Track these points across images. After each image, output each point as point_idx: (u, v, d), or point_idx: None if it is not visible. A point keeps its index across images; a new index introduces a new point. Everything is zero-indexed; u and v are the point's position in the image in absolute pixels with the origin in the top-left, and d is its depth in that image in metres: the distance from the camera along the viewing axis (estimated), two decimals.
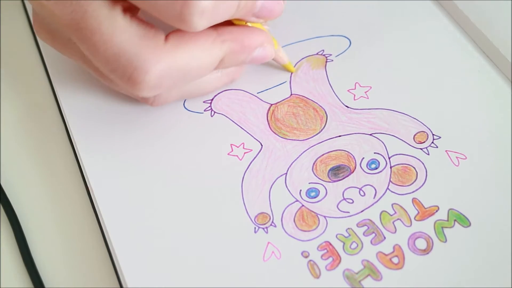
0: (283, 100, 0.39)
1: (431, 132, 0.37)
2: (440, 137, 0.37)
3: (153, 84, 0.33)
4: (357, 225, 0.34)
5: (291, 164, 0.37)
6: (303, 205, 0.35)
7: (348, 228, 0.34)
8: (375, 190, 0.35)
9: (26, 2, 0.45)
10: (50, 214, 0.37)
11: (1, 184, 0.38)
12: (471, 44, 0.42)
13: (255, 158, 0.37)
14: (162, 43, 0.32)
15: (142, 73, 0.32)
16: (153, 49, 0.32)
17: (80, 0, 0.32)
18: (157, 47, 0.32)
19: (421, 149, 0.37)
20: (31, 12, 0.44)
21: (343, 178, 0.36)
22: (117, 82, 0.34)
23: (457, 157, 0.36)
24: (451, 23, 0.43)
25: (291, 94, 0.39)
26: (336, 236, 0.34)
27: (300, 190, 0.36)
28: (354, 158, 0.37)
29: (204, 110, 0.39)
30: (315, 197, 0.35)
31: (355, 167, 0.36)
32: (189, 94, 0.38)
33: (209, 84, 0.38)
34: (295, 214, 0.35)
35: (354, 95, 0.39)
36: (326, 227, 0.34)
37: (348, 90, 0.40)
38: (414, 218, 0.34)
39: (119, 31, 0.31)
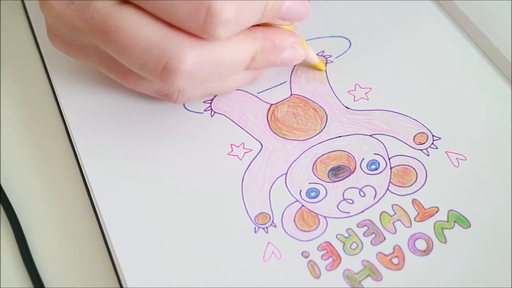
0: (283, 100, 0.39)
1: (431, 133, 0.37)
2: (440, 138, 0.37)
3: (188, 73, 0.32)
4: (357, 225, 0.34)
5: (291, 164, 0.37)
6: (303, 205, 0.35)
7: (348, 229, 0.34)
8: (375, 190, 0.35)
9: (27, 2, 0.45)
10: (50, 214, 0.37)
11: (1, 184, 0.38)
12: (471, 44, 0.42)
13: (255, 158, 0.37)
14: (193, 35, 0.32)
15: (177, 62, 0.32)
16: (186, 39, 0.32)
17: (96, 3, 0.32)
18: (189, 37, 0.32)
19: (421, 150, 0.37)
20: (31, 12, 0.44)
21: (343, 179, 0.36)
22: (149, 76, 0.33)
23: (457, 158, 0.36)
24: (451, 23, 0.43)
25: (291, 94, 0.39)
26: (336, 237, 0.34)
27: (300, 190, 0.36)
28: (354, 158, 0.37)
29: (204, 110, 0.39)
30: (315, 197, 0.36)
31: (355, 168, 0.36)
32: (214, 91, 0.38)
33: (234, 82, 0.38)
34: (295, 214, 0.35)
35: (354, 97, 0.39)
36: (326, 227, 0.35)
37: (348, 91, 0.40)
38: (414, 219, 0.34)
39: (146, 25, 0.31)
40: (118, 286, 0.34)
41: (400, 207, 0.35)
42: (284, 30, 0.36)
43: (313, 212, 0.35)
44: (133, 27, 0.31)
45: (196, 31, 0.31)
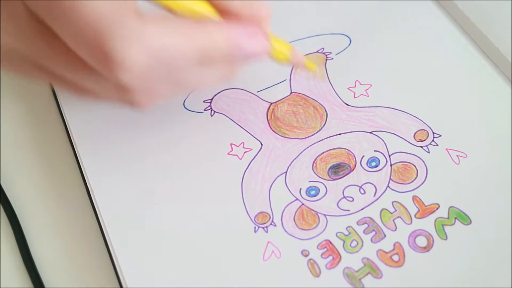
0: (283, 98, 0.39)
1: (432, 130, 0.37)
2: (440, 135, 0.37)
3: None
4: (357, 223, 0.34)
5: (291, 162, 0.37)
6: (303, 204, 0.35)
7: (348, 226, 0.34)
8: (375, 188, 0.35)
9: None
10: (50, 214, 0.37)
11: (1, 184, 0.38)
12: (471, 44, 0.42)
13: (255, 157, 0.37)
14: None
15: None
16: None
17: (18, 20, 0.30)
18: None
19: (421, 147, 0.37)
20: None
21: (343, 176, 0.36)
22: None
23: (457, 155, 0.36)
24: (451, 23, 0.43)
25: (291, 93, 0.39)
26: (336, 235, 0.34)
27: (300, 189, 0.36)
28: (354, 156, 0.37)
29: (204, 110, 0.39)
30: (315, 196, 0.35)
31: (355, 165, 0.36)
32: (182, 90, 0.34)
33: (198, 80, 0.33)
34: (295, 213, 0.35)
35: (354, 93, 0.39)
36: (326, 225, 0.34)
37: (348, 88, 0.40)
38: (415, 216, 0.34)
39: None
40: (118, 286, 0.34)
41: (400, 204, 0.35)
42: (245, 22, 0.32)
43: (313, 210, 0.35)
44: (75, 59, 0.29)
45: (99, 69, 0.29)
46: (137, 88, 0.31)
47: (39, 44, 0.30)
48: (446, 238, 0.33)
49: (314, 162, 0.37)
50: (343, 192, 0.35)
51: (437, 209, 0.35)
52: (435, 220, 0.34)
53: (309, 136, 0.38)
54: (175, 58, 0.29)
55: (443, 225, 0.34)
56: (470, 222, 0.34)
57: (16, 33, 0.31)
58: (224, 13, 0.32)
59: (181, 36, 0.29)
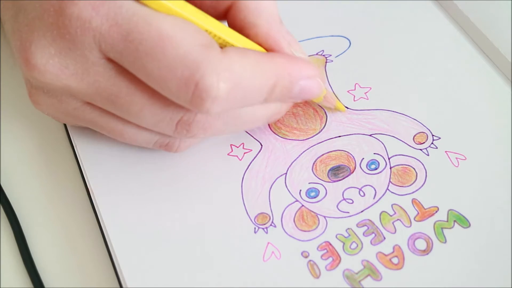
0: None
1: (431, 132, 0.37)
2: (439, 138, 0.37)
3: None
4: (357, 225, 0.34)
5: (291, 164, 0.37)
6: (303, 205, 0.35)
7: (348, 228, 0.34)
8: (375, 190, 0.35)
9: None
10: (50, 214, 0.37)
11: (1, 184, 0.38)
12: (471, 44, 0.42)
13: (255, 158, 0.37)
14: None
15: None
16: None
17: (96, 67, 0.31)
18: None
19: (420, 149, 0.37)
20: None
21: (343, 178, 0.36)
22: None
23: (456, 158, 0.36)
24: (451, 23, 0.43)
25: None
26: (336, 236, 0.34)
27: (300, 190, 0.36)
28: (354, 158, 0.37)
29: None
30: (315, 197, 0.35)
31: (355, 168, 0.36)
32: (234, 127, 0.35)
33: (254, 116, 0.35)
34: (295, 214, 0.35)
35: (354, 96, 0.39)
36: (326, 227, 0.34)
37: (348, 91, 0.40)
38: (414, 219, 0.34)
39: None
40: (118, 286, 0.34)
41: (400, 206, 0.35)
42: (302, 59, 0.34)
43: (312, 212, 0.35)
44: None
45: (185, 105, 0.30)
46: (204, 118, 0.33)
47: (106, 83, 0.31)
48: (445, 241, 0.34)
49: (314, 163, 0.37)
50: (342, 194, 0.35)
51: (436, 212, 0.35)
52: (434, 223, 0.34)
53: (309, 138, 0.38)
54: (251, 90, 0.31)
55: (442, 228, 0.34)
56: (469, 225, 0.34)
57: (80, 71, 0.31)
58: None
59: (259, 69, 0.31)
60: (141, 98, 0.31)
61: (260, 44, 0.33)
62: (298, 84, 0.33)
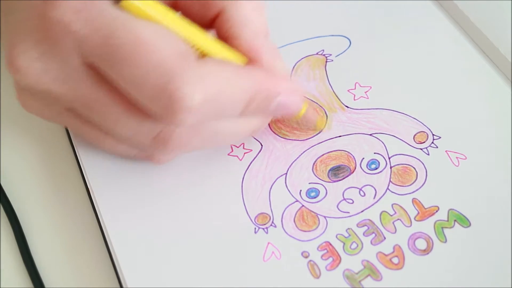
0: None
1: (431, 132, 0.37)
2: (440, 137, 0.37)
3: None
4: (357, 225, 0.34)
5: (291, 164, 0.37)
6: (303, 205, 0.35)
7: (348, 228, 0.34)
8: (375, 190, 0.35)
9: None
10: (50, 214, 0.37)
11: (1, 184, 0.38)
12: (471, 44, 0.42)
13: (255, 158, 0.37)
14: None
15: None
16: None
17: (78, 73, 0.31)
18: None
19: (421, 149, 0.37)
20: None
21: (343, 178, 0.36)
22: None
23: (457, 157, 0.36)
24: (451, 23, 0.43)
25: None
26: (336, 236, 0.34)
27: (300, 190, 0.36)
28: (354, 158, 0.37)
29: None
30: (315, 197, 0.35)
31: (355, 167, 0.36)
32: (212, 143, 0.35)
33: (234, 132, 0.35)
34: (295, 214, 0.35)
35: (354, 95, 0.39)
36: (326, 227, 0.34)
37: (348, 90, 0.40)
38: (414, 218, 0.34)
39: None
40: (118, 286, 0.34)
41: (400, 206, 0.35)
42: (282, 75, 0.34)
43: (313, 212, 0.35)
44: (123, 101, 0.31)
45: (158, 115, 0.30)
46: (181, 134, 0.32)
47: (85, 90, 0.31)
48: (446, 240, 0.34)
49: (314, 164, 0.37)
50: (343, 194, 0.35)
51: (436, 211, 0.35)
52: (435, 223, 0.34)
53: (309, 138, 0.38)
54: (226, 102, 0.31)
55: (442, 227, 0.34)
56: (470, 224, 0.34)
57: (61, 77, 0.31)
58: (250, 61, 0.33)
59: (236, 82, 0.31)
60: (117, 109, 0.31)
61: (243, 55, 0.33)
62: (276, 99, 0.33)
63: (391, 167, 0.36)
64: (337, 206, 0.35)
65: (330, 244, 0.34)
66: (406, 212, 0.35)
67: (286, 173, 0.36)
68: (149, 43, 0.29)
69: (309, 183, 0.36)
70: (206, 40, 0.32)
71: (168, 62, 0.29)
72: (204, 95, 0.29)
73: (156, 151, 0.34)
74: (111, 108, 0.31)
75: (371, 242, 0.34)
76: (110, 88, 0.31)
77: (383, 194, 0.35)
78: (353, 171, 0.36)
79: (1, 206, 0.37)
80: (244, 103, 0.31)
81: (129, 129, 0.32)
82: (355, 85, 0.40)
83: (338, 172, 0.36)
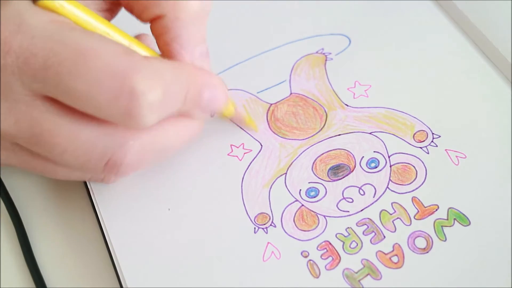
0: (283, 99, 0.39)
1: (431, 131, 0.37)
2: (439, 136, 0.37)
3: (133, 164, 0.31)
4: (357, 224, 0.34)
5: (291, 164, 0.37)
6: (302, 205, 0.35)
7: (348, 228, 0.34)
8: (375, 189, 0.35)
9: None
10: (52, 214, 0.37)
11: (4, 184, 0.38)
12: (471, 44, 0.42)
13: (255, 158, 0.37)
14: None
15: (121, 156, 0.31)
16: (125, 130, 0.30)
17: (18, 104, 0.30)
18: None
19: (420, 148, 0.37)
20: None
21: (343, 177, 0.36)
22: (91, 171, 0.32)
23: (456, 156, 0.36)
24: (451, 23, 0.43)
25: (291, 93, 0.39)
26: (336, 236, 0.34)
27: (300, 190, 0.36)
28: (354, 157, 0.37)
29: None
30: (314, 197, 0.35)
31: (355, 166, 0.36)
32: (162, 155, 0.35)
33: (178, 137, 0.34)
34: (295, 214, 0.35)
35: (354, 94, 0.39)
36: (325, 226, 0.34)
37: (347, 89, 0.40)
38: (414, 217, 0.34)
39: (83, 124, 0.30)
40: (118, 286, 0.34)
41: (399, 205, 0.35)
42: (207, 70, 0.34)
43: (312, 211, 0.35)
44: (67, 131, 0.30)
45: (120, 119, 0.29)
46: (132, 156, 0.32)
47: (28, 123, 0.30)
48: (445, 239, 0.33)
49: (313, 163, 0.37)
50: (342, 193, 0.35)
51: (436, 210, 0.34)
52: (434, 221, 0.34)
53: (308, 137, 0.38)
54: (174, 96, 0.31)
55: (442, 226, 0.34)
56: (469, 223, 0.34)
57: (2, 111, 0.30)
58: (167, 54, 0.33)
59: (176, 76, 0.31)
60: (62, 140, 0.30)
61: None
62: (206, 92, 0.32)
63: (390, 166, 0.36)
64: (337, 205, 0.35)
65: (330, 244, 0.34)
66: (406, 211, 0.35)
67: (286, 173, 0.36)
68: (90, 49, 0.28)
69: (309, 183, 0.36)
70: (128, 37, 0.32)
71: (117, 62, 0.28)
72: (163, 89, 0.29)
73: (108, 175, 0.33)
74: (56, 139, 0.30)
75: (370, 241, 0.34)
76: (54, 119, 0.30)
77: (383, 193, 0.35)
78: (352, 170, 0.36)
79: (3, 205, 0.37)
80: (184, 95, 0.31)
81: (77, 157, 0.31)
82: (355, 83, 0.40)
83: (337, 171, 0.36)
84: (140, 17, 0.33)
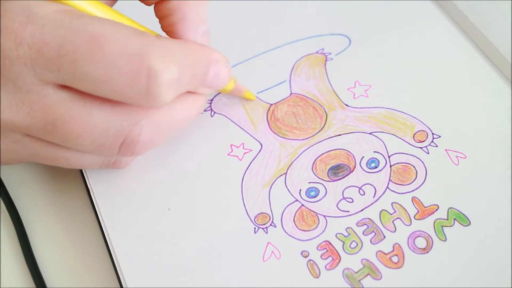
0: (283, 99, 0.39)
1: (431, 131, 0.37)
2: (439, 136, 0.37)
3: (148, 142, 0.32)
4: (357, 224, 0.34)
5: (291, 163, 0.37)
6: (302, 205, 0.35)
7: (348, 227, 0.34)
8: (375, 189, 0.35)
9: None
10: (52, 214, 0.37)
11: (4, 183, 0.38)
12: (471, 44, 0.42)
13: (254, 158, 0.37)
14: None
15: (136, 135, 0.31)
16: (138, 110, 0.31)
17: (31, 95, 0.30)
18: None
19: (420, 148, 0.37)
20: None
21: (343, 177, 0.36)
22: (106, 154, 0.33)
23: (456, 156, 0.36)
24: (451, 23, 0.43)
25: (291, 93, 0.40)
26: (336, 236, 0.34)
27: (300, 190, 0.36)
28: (354, 157, 0.37)
29: (204, 111, 0.39)
30: (315, 197, 0.35)
31: (355, 166, 0.36)
32: (172, 131, 0.35)
33: (185, 113, 0.34)
34: (295, 213, 0.35)
35: (354, 94, 0.39)
36: (325, 226, 0.34)
37: (348, 89, 0.40)
38: (414, 217, 0.34)
39: (95, 108, 0.30)
40: (118, 286, 0.34)
41: (399, 205, 0.35)
42: (207, 47, 0.34)
43: (312, 211, 0.35)
44: (82, 115, 0.30)
45: (140, 99, 0.29)
46: (147, 133, 0.32)
47: (42, 111, 0.30)
48: (445, 239, 0.33)
49: (314, 163, 0.37)
50: (342, 193, 0.35)
51: (436, 210, 0.34)
52: (434, 221, 0.34)
53: (308, 137, 0.38)
54: (187, 72, 0.31)
55: (442, 226, 0.34)
56: (469, 223, 0.34)
57: (13, 103, 0.30)
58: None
59: (186, 53, 0.31)
60: (77, 125, 0.30)
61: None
62: (211, 68, 0.33)
63: (390, 166, 0.36)
64: (337, 205, 0.35)
65: (330, 244, 0.34)
66: (406, 211, 0.35)
67: (286, 173, 0.36)
68: (104, 34, 0.28)
69: (309, 183, 0.36)
70: (132, 22, 0.33)
71: (132, 44, 0.28)
72: (178, 67, 0.29)
73: (123, 156, 0.34)
74: (70, 125, 0.30)
75: (370, 241, 0.34)
76: (67, 105, 0.30)
77: (383, 193, 0.35)
78: (352, 170, 0.36)
79: (3, 205, 0.37)
80: (193, 72, 0.32)
81: (92, 142, 0.31)
82: (355, 83, 0.40)
83: (337, 171, 0.36)
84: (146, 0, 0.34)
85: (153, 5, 0.34)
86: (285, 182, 0.36)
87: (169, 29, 0.34)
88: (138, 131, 0.31)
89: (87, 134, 0.31)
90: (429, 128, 0.38)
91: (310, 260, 0.33)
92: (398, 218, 0.34)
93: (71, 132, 0.30)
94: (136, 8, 0.36)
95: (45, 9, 0.29)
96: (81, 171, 0.37)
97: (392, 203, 0.35)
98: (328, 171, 0.36)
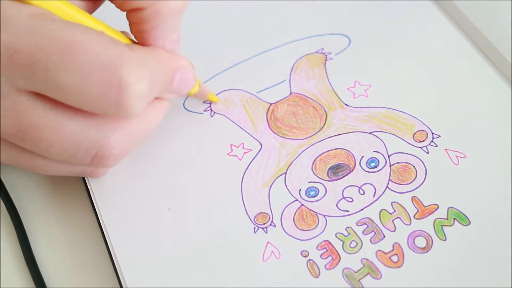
0: (283, 99, 0.39)
1: (431, 130, 0.37)
2: (439, 136, 0.37)
3: (120, 154, 0.32)
4: (357, 223, 0.34)
5: (291, 163, 0.37)
6: (302, 205, 0.35)
7: (348, 227, 0.34)
8: (375, 188, 0.35)
9: None
10: (52, 214, 0.37)
11: (4, 183, 0.38)
12: (470, 45, 0.42)
13: (254, 158, 0.37)
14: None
15: (109, 149, 0.31)
16: (112, 122, 0.31)
17: (3, 100, 0.29)
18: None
19: (420, 147, 0.37)
20: None
21: (343, 177, 0.36)
22: (78, 164, 0.33)
23: (456, 156, 0.36)
24: (451, 23, 0.43)
25: (291, 93, 0.39)
26: (336, 235, 0.34)
27: (300, 190, 0.36)
28: (354, 156, 0.37)
29: (204, 111, 0.39)
30: (314, 196, 0.35)
31: (355, 166, 0.36)
32: (140, 139, 0.35)
33: (157, 117, 0.35)
34: (295, 213, 0.35)
35: (354, 93, 0.39)
36: (325, 226, 0.34)
37: (347, 89, 0.40)
38: (414, 217, 0.34)
39: (68, 118, 0.30)
40: (118, 286, 0.34)
41: (399, 204, 0.35)
42: (173, 53, 0.34)
43: (312, 211, 0.35)
44: (54, 124, 0.30)
45: (109, 110, 0.29)
46: (118, 145, 0.32)
47: (13, 119, 0.30)
48: (445, 238, 0.33)
49: (313, 162, 0.37)
50: (342, 193, 0.35)
51: (436, 209, 0.34)
52: (434, 221, 0.34)
53: (308, 137, 0.38)
54: (156, 82, 0.31)
55: (442, 225, 0.34)
56: (469, 222, 0.34)
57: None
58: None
59: (156, 62, 0.31)
60: (49, 134, 0.30)
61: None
62: (177, 75, 0.33)
63: (390, 166, 0.36)
64: (337, 205, 0.35)
65: (330, 243, 0.34)
66: (406, 210, 0.35)
67: (286, 173, 0.36)
68: (77, 41, 0.28)
69: (309, 182, 0.36)
70: (101, 24, 0.32)
71: (104, 54, 0.28)
72: (150, 79, 0.29)
73: (97, 168, 0.34)
74: (42, 133, 0.30)
75: (370, 241, 0.34)
76: (39, 113, 0.30)
77: (383, 193, 0.35)
78: (352, 170, 0.36)
79: (3, 205, 0.37)
80: (163, 81, 0.32)
81: (64, 151, 0.31)
82: (355, 83, 0.40)
83: (337, 170, 0.36)
84: (121, 6, 0.33)
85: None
86: (285, 181, 0.36)
87: (139, 35, 0.33)
88: (111, 144, 0.31)
89: (58, 144, 0.30)
90: (429, 128, 0.38)
91: (310, 259, 0.33)
92: (398, 217, 0.34)
93: (42, 140, 0.30)
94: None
95: (17, 13, 0.28)
96: None
97: (392, 203, 0.35)
98: (328, 170, 0.36)
